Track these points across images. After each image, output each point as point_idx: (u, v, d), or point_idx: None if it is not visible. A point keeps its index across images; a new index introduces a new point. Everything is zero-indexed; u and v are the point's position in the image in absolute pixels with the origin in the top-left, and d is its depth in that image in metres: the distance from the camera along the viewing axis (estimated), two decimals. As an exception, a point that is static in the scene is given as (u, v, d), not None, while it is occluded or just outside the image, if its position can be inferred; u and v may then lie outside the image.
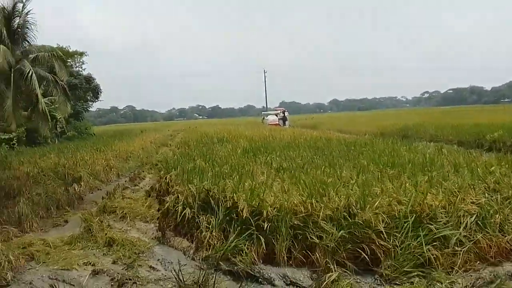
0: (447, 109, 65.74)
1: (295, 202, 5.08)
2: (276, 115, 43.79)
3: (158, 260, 5.50)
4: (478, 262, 4.31)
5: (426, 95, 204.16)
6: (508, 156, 7.46)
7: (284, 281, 4.55)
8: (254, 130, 22.25)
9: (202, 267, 5.07)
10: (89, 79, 28.04)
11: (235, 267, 4.81)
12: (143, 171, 13.34)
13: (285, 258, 4.81)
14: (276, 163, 7.98)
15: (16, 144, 19.70)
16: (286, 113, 44.24)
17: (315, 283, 4.04)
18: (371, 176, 5.89)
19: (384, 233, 4.40)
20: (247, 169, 7.34)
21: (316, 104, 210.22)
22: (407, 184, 5.32)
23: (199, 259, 5.33)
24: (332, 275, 3.78)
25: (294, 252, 4.82)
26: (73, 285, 4.86)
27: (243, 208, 5.16)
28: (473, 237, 4.38)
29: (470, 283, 4.06)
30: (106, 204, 8.23)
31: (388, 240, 4.41)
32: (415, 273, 4.18)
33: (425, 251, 4.20)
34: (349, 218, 4.68)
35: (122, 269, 5.10)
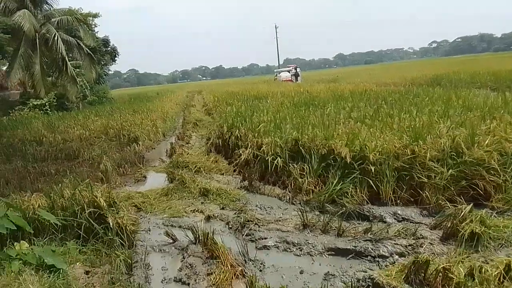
0: (461, 58, 64.62)
1: (397, 145, 5.29)
2: (289, 71, 44.63)
3: (256, 206, 5.80)
4: None
5: (434, 45, 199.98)
6: None
7: (395, 218, 4.82)
8: (279, 87, 22.21)
9: (305, 209, 5.43)
10: (106, 42, 27.75)
11: (343, 208, 5.08)
12: (188, 130, 13.56)
13: (392, 198, 5.09)
14: (345, 113, 8.14)
15: (49, 109, 19.96)
16: (298, 69, 45.28)
17: (447, 215, 4.28)
18: (457, 119, 6.05)
19: (495, 169, 4.63)
20: (321, 120, 7.50)
21: (322, 60, 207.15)
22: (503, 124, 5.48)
23: (299, 203, 5.64)
24: (467, 207, 4.01)
25: (400, 192, 5.09)
26: (189, 229, 5.19)
27: (344, 154, 5.37)
28: None
29: None
30: (177, 159, 8.51)
31: (498, 176, 4.63)
32: (525, 205, 4.42)
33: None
34: (456, 158, 4.90)
35: (234, 214, 5.43)
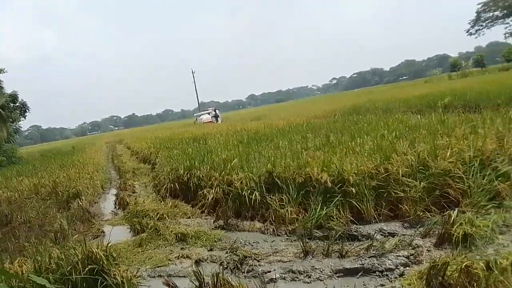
0: (362, 91, 71.42)
1: (369, 166, 5.70)
2: (209, 114, 47.60)
3: (241, 243, 5.72)
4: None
5: (334, 81, 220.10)
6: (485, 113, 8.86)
7: (382, 234, 5.12)
8: (207, 129, 22.36)
9: (292, 239, 5.51)
10: (14, 97, 25.53)
11: (332, 232, 5.26)
12: (128, 180, 12.88)
13: (374, 215, 5.42)
14: (294, 144, 8.52)
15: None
16: (217, 111, 49.21)
17: (434, 223, 4.68)
18: (410, 138, 6.74)
19: (460, 177, 5.23)
20: (282, 151, 7.76)
21: (235, 101, 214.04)
22: (446, 138, 6.23)
23: (285, 234, 5.70)
24: (454, 211, 4.46)
25: (381, 209, 5.45)
26: (184, 276, 4.92)
27: (325, 179, 5.63)
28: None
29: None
30: (135, 209, 8.04)
31: (463, 183, 5.23)
32: (490, 205, 5.03)
33: (497, 185, 5.09)
34: (424, 171, 5.44)
35: (225, 253, 5.27)
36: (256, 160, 7.36)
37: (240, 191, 6.53)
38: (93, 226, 7.86)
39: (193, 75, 78.37)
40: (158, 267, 5.24)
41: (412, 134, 7.13)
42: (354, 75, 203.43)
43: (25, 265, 3.80)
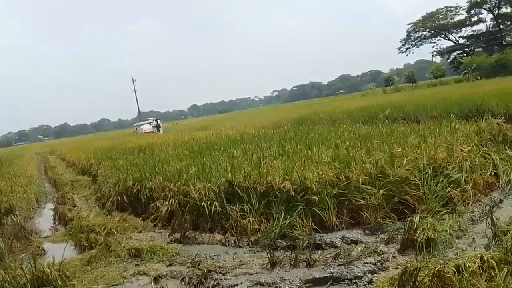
0: (303, 103, 73.79)
1: (330, 174, 5.75)
2: (149, 123, 47.46)
3: (201, 256, 5.45)
4: (478, 194, 5.71)
5: (276, 93, 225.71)
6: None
7: (345, 242, 5.15)
8: (154, 139, 21.57)
9: (256, 250, 5.37)
10: None
11: (296, 241, 5.20)
12: (67, 193, 11.93)
13: (336, 223, 5.45)
14: (250, 153, 8.45)
15: None
16: (159, 121, 49.18)
17: (395, 229, 4.79)
18: (365, 147, 6.94)
19: (416, 184, 5.44)
20: (239, 161, 7.63)
21: (177, 111, 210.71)
22: (399, 148, 6.50)
23: (247, 245, 5.53)
24: (416, 216, 4.59)
25: (342, 217, 5.49)
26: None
27: (288, 188, 5.57)
28: (471, 177, 5.76)
29: (482, 210, 5.39)
30: (79, 224, 7.42)
31: (419, 190, 5.45)
32: (444, 211, 5.29)
33: (449, 191, 5.37)
34: (383, 179, 5.59)
35: (187, 268, 4.98)
36: (213, 170, 7.13)
37: (198, 202, 6.26)
38: (31, 243, 7.13)
39: (133, 83, 75.99)
40: (112, 285, 4.82)
41: (365, 143, 7.35)
42: (295, 88, 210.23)
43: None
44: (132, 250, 5.72)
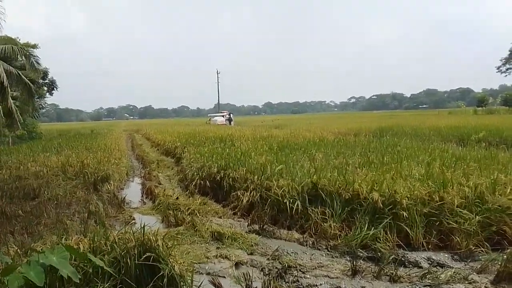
0: (380, 113, 71.12)
1: (422, 192, 5.54)
2: (223, 116, 51.34)
3: (279, 251, 5.57)
4: None
5: (353, 100, 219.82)
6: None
7: (429, 263, 4.93)
8: (232, 131, 22.31)
9: (334, 255, 5.37)
10: (45, 73, 25.90)
11: (378, 253, 5.11)
12: (153, 170, 12.86)
13: (422, 243, 5.25)
14: (332, 158, 8.40)
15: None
16: (231, 115, 53.18)
17: (491, 259, 4.52)
18: (461, 169, 6.57)
19: (518, 215, 5.05)
20: (320, 164, 7.64)
21: (251, 107, 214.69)
22: (501, 175, 6.05)
23: (325, 249, 5.55)
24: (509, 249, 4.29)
25: (429, 237, 5.27)
26: (223, 276, 4.81)
27: (376, 199, 5.48)
28: None
29: None
30: (167, 201, 7.99)
31: (520, 222, 5.04)
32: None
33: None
34: (480, 205, 5.26)
35: (267, 259, 5.15)
36: (296, 169, 7.23)
37: (280, 198, 6.40)
38: (123, 212, 7.83)
39: (217, 75, 78.72)
40: (196, 263, 5.14)
41: (461, 165, 6.94)
42: (374, 97, 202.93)
43: (81, 243, 3.71)
44: (215, 233, 6.04)
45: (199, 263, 5.15)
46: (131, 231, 3.95)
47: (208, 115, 61.45)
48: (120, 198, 8.78)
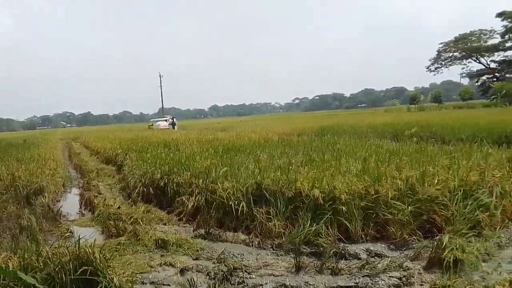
0: (323, 113, 73.65)
1: (359, 186, 5.80)
2: (166, 121, 51.65)
3: (225, 254, 5.56)
4: (507, 221, 5.67)
5: (297, 101, 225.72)
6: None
7: (368, 254, 5.18)
8: (177, 135, 21.90)
9: (279, 253, 5.46)
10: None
11: (320, 248, 5.27)
12: (92, 180, 12.26)
13: (361, 235, 5.50)
14: (276, 158, 8.55)
15: None
16: (174, 119, 53.57)
17: (423, 247, 4.82)
18: (394, 163, 6.97)
19: (445, 204, 5.45)
20: (265, 164, 7.75)
21: (197, 110, 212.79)
22: (429, 167, 6.50)
23: (271, 248, 5.63)
24: (445, 236, 4.61)
25: (367, 229, 5.54)
26: (168, 284, 4.71)
27: (317, 195, 5.66)
28: (500, 202, 5.73)
29: (509, 236, 5.36)
30: (107, 211, 7.65)
31: (447, 211, 5.46)
32: (471, 234, 5.26)
33: (478, 215, 5.35)
34: (412, 196, 5.62)
35: (212, 263, 5.11)
36: (241, 171, 7.27)
37: (225, 200, 6.39)
38: (59, 225, 7.39)
39: (160, 79, 77.08)
40: (139, 273, 4.98)
41: (394, 159, 7.36)
42: (316, 98, 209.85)
43: (11, 261, 3.45)
44: (159, 241, 5.89)
45: (142, 273, 4.98)
46: (66, 245, 3.73)
47: (151, 120, 60.66)
48: (56, 210, 8.27)
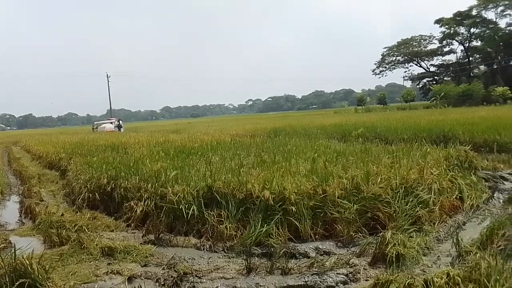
0: (277, 114, 74.71)
1: (308, 186, 5.94)
2: (111, 123, 50.14)
3: (175, 259, 5.47)
4: (444, 216, 6.05)
5: (250, 102, 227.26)
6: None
7: (317, 252, 5.32)
8: (126, 138, 21.19)
9: (231, 256, 5.45)
10: None
11: (271, 249, 5.33)
12: (33, 186, 11.54)
13: (310, 234, 5.62)
14: (228, 160, 8.55)
15: None
16: (120, 121, 53.10)
17: (367, 243, 5.02)
18: (341, 163, 7.20)
19: (388, 202, 5.72)
20: (217, 167, 7.71)
21: (148, 112, 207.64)
22: (373, 166, 6.80)
23: (222, 250, 5.60)
24: (388, 232, 4.83)
25: (316, 228, 5.68)
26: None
27: (267, 197, 5.71)
28: (438, 199, 6.11)
29: (447, 230, 5.73)
30: (50, 219, 7.23)
31: (390, 208, 5.73)
32: (412, 229, 5.57)
33: (418, 211, 5.68)
34: (357, 194, 5.84)
35: (162, 269, 4.99)
36: (192, 174, 7.18)
37: (176, 204, 6.27)
38: (-6, 236, 6.88)
39: (107, 80, 74.26)
40: (84, 283, 4.76)
41: (341, 159, 7.62)
42: (269, 99, 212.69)
43: None
44: (105, 248, 5.67)
45: (86, 282, 4.76)
46: (1, 257, 3.48)
47: (94, 122, 57.88)
48: (-9, 221, 7.72)
